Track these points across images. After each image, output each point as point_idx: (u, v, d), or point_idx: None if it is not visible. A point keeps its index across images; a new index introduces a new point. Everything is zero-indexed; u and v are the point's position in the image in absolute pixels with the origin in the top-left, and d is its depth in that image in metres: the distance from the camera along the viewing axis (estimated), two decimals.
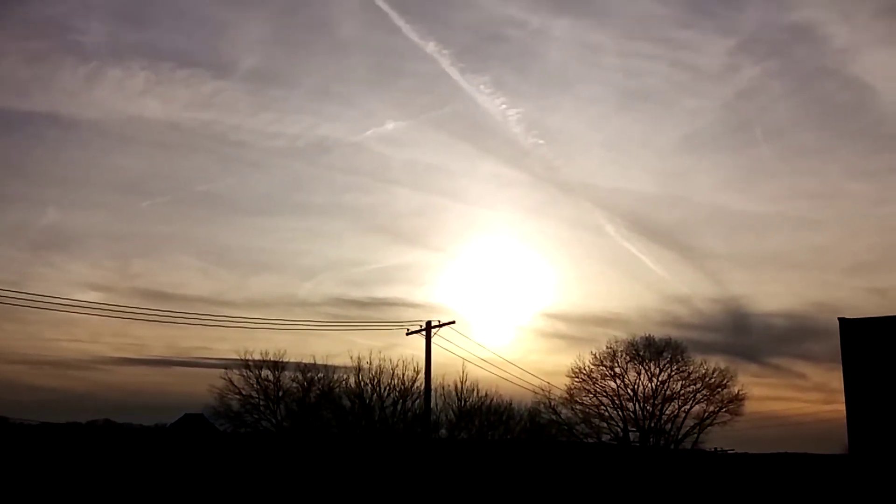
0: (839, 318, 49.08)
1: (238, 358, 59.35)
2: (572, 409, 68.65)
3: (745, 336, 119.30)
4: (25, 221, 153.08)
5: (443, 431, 59.10)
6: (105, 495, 47.30)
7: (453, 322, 48.04)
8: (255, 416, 59.77)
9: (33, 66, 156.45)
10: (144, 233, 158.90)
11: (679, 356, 68.43)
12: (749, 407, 69.77)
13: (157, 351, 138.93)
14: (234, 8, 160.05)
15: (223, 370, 60.06)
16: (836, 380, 50.64)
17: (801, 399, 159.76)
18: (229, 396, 58.83)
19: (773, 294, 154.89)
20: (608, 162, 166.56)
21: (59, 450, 62.83)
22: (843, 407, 48.47)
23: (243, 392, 58.91)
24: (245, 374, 59.00)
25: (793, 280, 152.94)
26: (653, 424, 67.67)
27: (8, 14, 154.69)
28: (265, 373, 59.36)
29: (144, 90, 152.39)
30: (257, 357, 59.15)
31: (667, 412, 67.88)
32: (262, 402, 59.48)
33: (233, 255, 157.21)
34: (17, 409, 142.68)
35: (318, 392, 59.36)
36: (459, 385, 59.10)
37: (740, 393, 67.84)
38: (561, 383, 69.01)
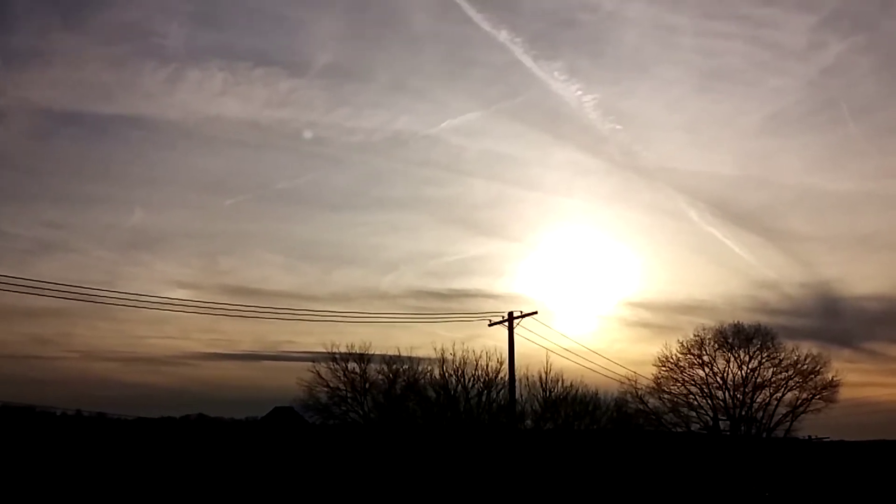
0: None
1: (324, 351, 60.11)
2: (660, 398, 68.01)
3: (838, 321, 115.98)
4: (114, 222, 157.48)
5: (528, 422, 59.03)
6: (206, 487, 48.62)
7: (535, 312, 47.89)
8: (343, 409, 60.51)
9: (116, 70, 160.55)
10: (229, 230, 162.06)
11: (769, 343, 67.21)
12: (844, 393, 68.22)
13: (246, 345, 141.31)
14: (308, 6, 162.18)
15: (310, 363, 60.87)
16: None
17: None
18: (317, 389, 59.61)
19: (865, 276, 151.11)
20: (689, 145, 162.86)
21: (157, 443, 64.71)
22: None
23: (331, 384, 59.69)
24: (332, 366, 59.74)
25: (886, 261, 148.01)
26: (743, 413, 66.51)
27: (90, 20, 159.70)
28: (351, 365, 60.01)
29: (223, 90, 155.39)
30: (343, 350, 59.80)
31: (758, 400, 66.76)
32: (349, 394, 60.18)
33: (315, 250, 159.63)
34: (114, 405, 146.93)
35: (403, 384, 59.82)
36: (544, 375, 58.86)
37: (834, 379, 66.40)
38: (647, 372, 68.42)
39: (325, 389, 59.70)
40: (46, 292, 33.83)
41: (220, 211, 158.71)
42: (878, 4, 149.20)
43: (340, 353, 59.78)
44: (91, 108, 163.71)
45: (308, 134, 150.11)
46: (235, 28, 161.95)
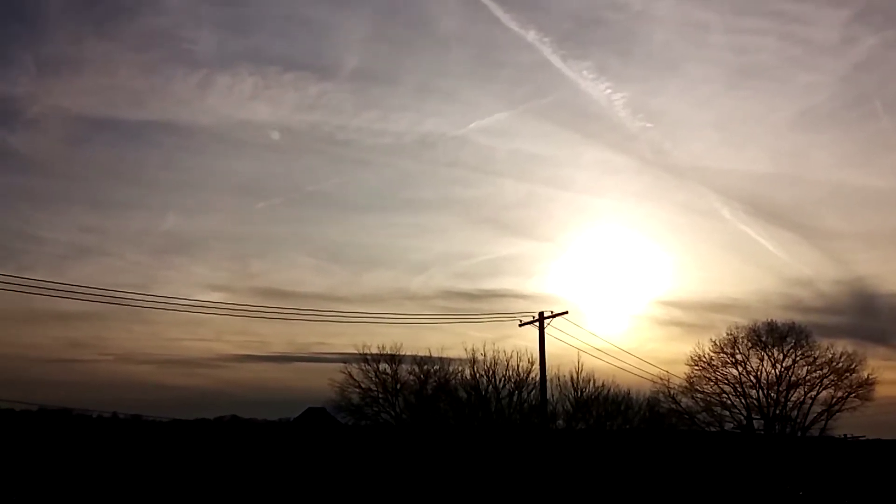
0: None
1: (356, 352, 60.42)
2: (693, 397, 67.60)
3: (874, 318, 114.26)
4: (148, 227, 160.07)
5: (560, 422, 58.94)
6: (237, 487, 49.06)
7: (566, 312, 47.83)
8: (375, 409, 60.74)
9: (148, 76, 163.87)
10: (260, 233, 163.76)
11: (803, 341, 66.62)
12: (880, 391, 67.52)
13: (278, 347, 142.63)
14: (335, 10, 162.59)
15: (342, 364, 61.20)
16: None
17: None
18: (349, 390, 59.91)
19: None
20: (720, 143, 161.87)
21: (191, 445, 65.34)
22: None
23: (362, 385, 59.95)
24: (363, 367, 60.02)
25: None
26: (777, 412, 66.00)
27: (122, 27, 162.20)
28: (383, 366, 60.25)
29: (253, 95, 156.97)
30: (374, 351, 60.05)
31: (792, 399, 66.22)
32: (380, 395, 60.40)
33: (345, 252, 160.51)
34: (149, 407, 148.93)
35: (434, 384, 59.99)
36: (575, 375, 58.76)
37: (870, 377, 65.78)
38: (680, 372, 68.03)
39: (357, 390, 60.05)
40: (81, 296, 34.56)
41: (251, 214, 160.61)
42: None
43: (372, 355, 60.14)
44: (124, 114, 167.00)
45: (338, 136, 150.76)
46: (264, 33, 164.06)
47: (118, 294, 36.94)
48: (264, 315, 47.51)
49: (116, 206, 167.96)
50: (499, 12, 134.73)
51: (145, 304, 37.78)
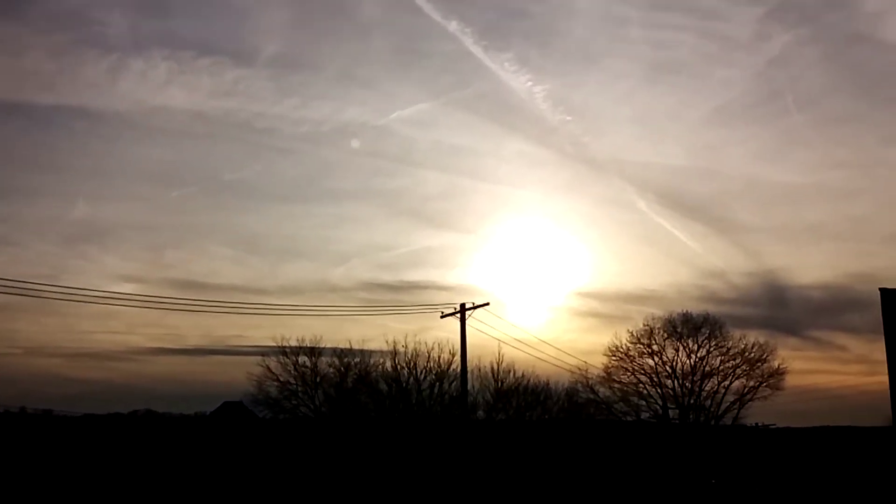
0: (880, 289, 48.01)
1: (274, 345, 59.67)
2: (610, 387, 68.34)
3: (784, 309, 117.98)
4: (57, 215, 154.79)
5: (480, 413, 59.27)
6: (151, 483, 47.95)
7: (487, 304, 47.97)
8: (294, 403, 60.10)
9: (57, 59, 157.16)
10: (175, 223, 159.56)
11: (717, 331, 67.87)
12: (790, 381, 69.04)
13: (194, 340, 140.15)
14: None
15: (260, 357, 60.44)
16: (878, 351, 49.73)
17: (842, 371, 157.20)
18: (267, 383, 59.19)
19: (810, 266, 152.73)
20: (638, 137, 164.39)
21: (104, 440, 63.74)
22: (886, 378, 47.45)
23: (281, 379, 59.26)
24: (282, 360, 59.31)
25: (830, 251, 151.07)
26: (692, 401, 67.21)
27: (30, 8, 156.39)
28: (302, 359, 59.63)
29: (168, 80, 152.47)
30: (294, 343, 59.40)
31: (706, 388, 67.39)
32: (300, 389, 59.78)
33: (264, 242, 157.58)
34: (60, 402, 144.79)
35: (355, 377, 59.64)
36: (496, 366, 59.17)
37: (780, 367, 67.12)
38: (598, 362, 68.75)
39: (276, 384, 59.35)
40: None
41: (166, 203, 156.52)
42: None
43: (291, 347, 59.45)
44: (32, 98, 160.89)
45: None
46: (179, 16, 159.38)
47: (26, 285, 35.53)
48: (179, 307, 46.63)
49: (24, 194, 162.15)
50: (421, 1, 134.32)
51: (55, 296, 36.46)
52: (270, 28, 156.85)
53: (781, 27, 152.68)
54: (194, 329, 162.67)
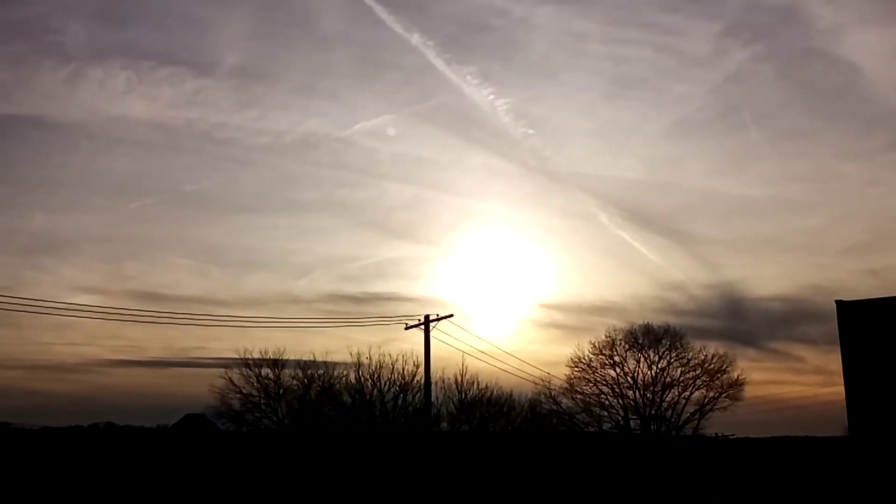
0: (836, 301, 49.10)
1: (237, 357, 59.36)
2: (573, 398, 68.87)
3: (742, 321, 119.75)
4: (14, 226, 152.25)
5: (444, 424, 59.35)
6: (112, 497, 47.49)
7: (451, 315, 47.97)
8: (257, 415, 59.81)
9: (13, 68, 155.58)
10: (135, 234, 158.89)
11: (678, 343, 68.74)
12: (749, 392, 70.21)
13: (154, 352, 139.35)
14: (215, 5, 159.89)
15: (222, 370, 60.02)
16: (834, 362, 50.81)
17: (800, 382, 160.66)
18: (230, 396, 58.84)
19: (768, 278, 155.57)
20: (598, 150, 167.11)
21: (63, 454, 62.93)
22: (842, 389, 48.54)
23: (244, 391, 58.94)
24: (245, 372, 59.01)
25: (787, 263, 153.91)
26: (653, 412, 67.87)
27: None
28: (265, 371, 59.36)
29: (127, 90, 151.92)
30: (256, 355, 59.15)
31: (667, 399, 68.17)
32: (262, 401, 59.51)
33: (225, 254, 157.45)
34: (17, 415, 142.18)
35: (318, 389, 59.44)
36: (459, 378, 59.31)
37: (739, 378, 68.19)
38: (561, 373, 69.26)
39: (238, 396, 59.04)
40: None
41: (125, 214, 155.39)
42: (777, 14, 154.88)
43: (253, 359, 59.19)
44: None
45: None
46: (139, 26, 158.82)
47: None
48: (139, 319, 45.82)
49: None
50: (383, 14, 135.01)
51: (12, 307, 35.89)
52: (231, 39, 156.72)
53: (738, 43, 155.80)
54: (155, 341, 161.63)
